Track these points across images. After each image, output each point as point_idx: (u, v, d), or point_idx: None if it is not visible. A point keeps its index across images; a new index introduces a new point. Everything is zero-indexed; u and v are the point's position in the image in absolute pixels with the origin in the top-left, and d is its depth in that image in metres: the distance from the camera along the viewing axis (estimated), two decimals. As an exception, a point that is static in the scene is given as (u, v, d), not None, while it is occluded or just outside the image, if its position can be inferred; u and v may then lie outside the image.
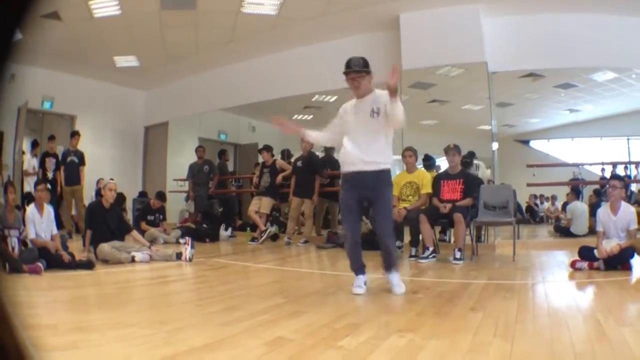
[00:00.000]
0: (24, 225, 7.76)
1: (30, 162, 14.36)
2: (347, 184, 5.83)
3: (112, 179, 9.49)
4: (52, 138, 14.43)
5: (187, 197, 15.65)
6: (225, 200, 15.86)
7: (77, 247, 9.12)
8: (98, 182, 14.23)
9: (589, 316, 4.51)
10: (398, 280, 5.78)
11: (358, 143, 5.67)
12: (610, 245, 7.36)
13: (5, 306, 1.70)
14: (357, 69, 5.75)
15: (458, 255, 8.60)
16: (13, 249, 7.24)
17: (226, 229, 14.21)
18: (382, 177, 5.69)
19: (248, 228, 13.88)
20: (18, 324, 1.68)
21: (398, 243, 9.62)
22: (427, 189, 9.58)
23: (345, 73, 5.78)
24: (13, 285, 5.92)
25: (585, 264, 7.43)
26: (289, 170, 12.86)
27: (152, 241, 10.77)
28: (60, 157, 14.06)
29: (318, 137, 6.43)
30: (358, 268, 5.88)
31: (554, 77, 13.43)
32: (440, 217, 9.19)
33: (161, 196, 13.76)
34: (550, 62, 12.17)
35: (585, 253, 7.58)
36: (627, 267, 7.29)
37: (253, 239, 12.56)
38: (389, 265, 5.87)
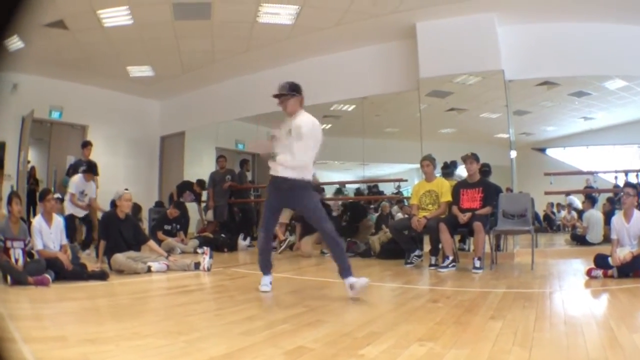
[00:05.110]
0: (30, 236, 7.68)
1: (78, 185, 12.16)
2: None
3: (127, 189, 9.48)
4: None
5: (206, 206, 15.69)
6: (244, 209, 15.87)
7: (91, 258, 9.19)
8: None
9: (603, 323, 4.55)
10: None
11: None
12: (623, 253, 7.38)
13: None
14: (282, 93, 6.35)
15: (477, 264, 8.59)
16: (16, 260, 7.14)
17: (244, 239, 14.22)
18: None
19: (266, 237, 13.86)
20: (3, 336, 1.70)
21: (417, 252, 9.66)
22: (447, 197, 9.59)
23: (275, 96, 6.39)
24: (15, 297, 5.94)
25: (600, 272, 7.46)
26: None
27: (169, 251, 10.67)
28: (71, 168, 14.01)
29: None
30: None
31: (568, 85, 13.39)
32: (460, 225, 9.17)
33: (179, 205, 13.79)
34: (562, 70, 12.20)
35: (600, 261, 7.62)
36: (639, 275, 7.31)
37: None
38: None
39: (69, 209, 11.45)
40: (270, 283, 6.54)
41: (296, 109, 6.32)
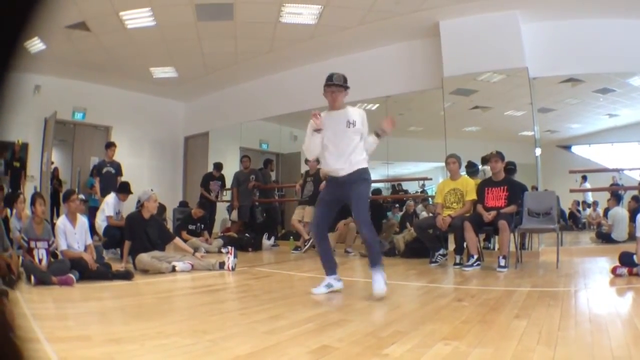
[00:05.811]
0: (54, 236, 7.72)
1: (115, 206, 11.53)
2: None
3: (152, 190, 9.51)
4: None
5: (229, 206, 15.74)
6: (268, 209, 15.90)
7: (115, 258, 9.22)
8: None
9: (627, 321, 4.53)
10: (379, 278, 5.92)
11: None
12: (648, 251, 7.35)
13: (8, 319, 1.72)
14: (338, 83, 6.21)
15: (502, 262, 8.55)
16: (40, 260, 7.19)
17: (269, 238, 14.26)
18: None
19: (291, 237, 13.93)
20: (19, 336, 1.70)
21: (442, 251, 9.64)
22: (472, 195, 9.57)
23: (327, 85, 6.24)
24: (39, 297, 5.97)
25: (625, 270, 7.42)
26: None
27: (194, 250, 10.68)
28: (95, 169, 14.04)
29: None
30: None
31: (593, 82, 13.31)
32: (485, 224, 9.13)
33: (204, 205, 13.85)
34: (586, 67, 12.13)
35: (626, 259, 7.59)
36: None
37: (296, 248, 12.59)
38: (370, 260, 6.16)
39: (102, 225, 11.35)
40: (330, 284, 6.38)
41: (342, 103, 6.32)
